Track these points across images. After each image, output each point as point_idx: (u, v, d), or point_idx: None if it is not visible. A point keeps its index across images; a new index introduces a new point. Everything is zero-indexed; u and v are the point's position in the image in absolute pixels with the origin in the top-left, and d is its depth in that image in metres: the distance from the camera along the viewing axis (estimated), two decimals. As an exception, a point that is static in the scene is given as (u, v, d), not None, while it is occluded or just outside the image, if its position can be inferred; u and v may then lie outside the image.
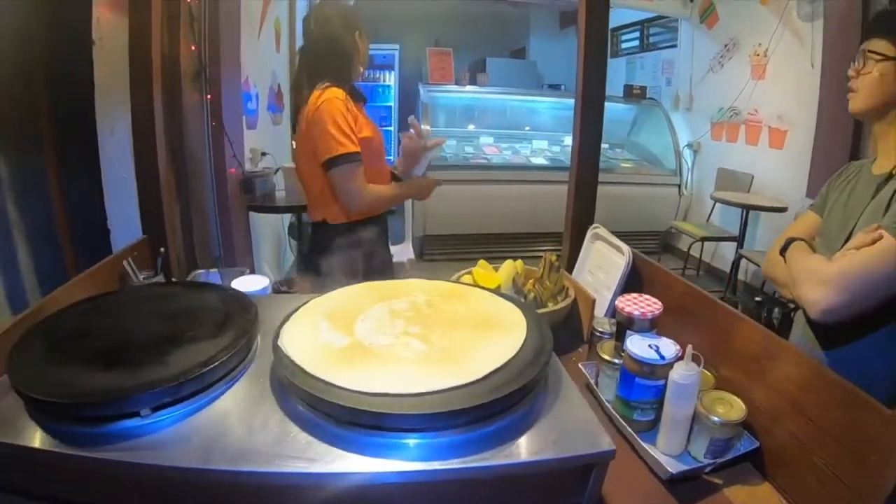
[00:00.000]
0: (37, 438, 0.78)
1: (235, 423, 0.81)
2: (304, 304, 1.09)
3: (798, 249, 1.33)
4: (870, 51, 1.24)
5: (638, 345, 1.03)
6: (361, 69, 1.90)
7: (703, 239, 4.69)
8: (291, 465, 0.73)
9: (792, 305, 1.38)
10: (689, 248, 4.87)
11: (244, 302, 1.09)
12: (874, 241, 1.11)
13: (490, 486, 0.79)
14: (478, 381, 0.82)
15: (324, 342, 0.94)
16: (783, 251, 1.36)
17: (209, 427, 0.80)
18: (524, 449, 0.77)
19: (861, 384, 0.87)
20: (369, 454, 0.75)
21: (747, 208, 4.35)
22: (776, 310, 1.43)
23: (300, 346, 0.92)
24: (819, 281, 1.14)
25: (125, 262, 1.52)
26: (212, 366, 0.85)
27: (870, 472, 0.81)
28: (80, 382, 0.82)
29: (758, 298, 1.42)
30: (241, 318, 1.02)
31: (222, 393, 0.88)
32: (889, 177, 1.26)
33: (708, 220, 5.10)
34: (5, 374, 0.89)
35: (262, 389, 0.89)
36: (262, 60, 3.73)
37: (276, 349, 0.92)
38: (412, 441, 0.77)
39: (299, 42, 4.97)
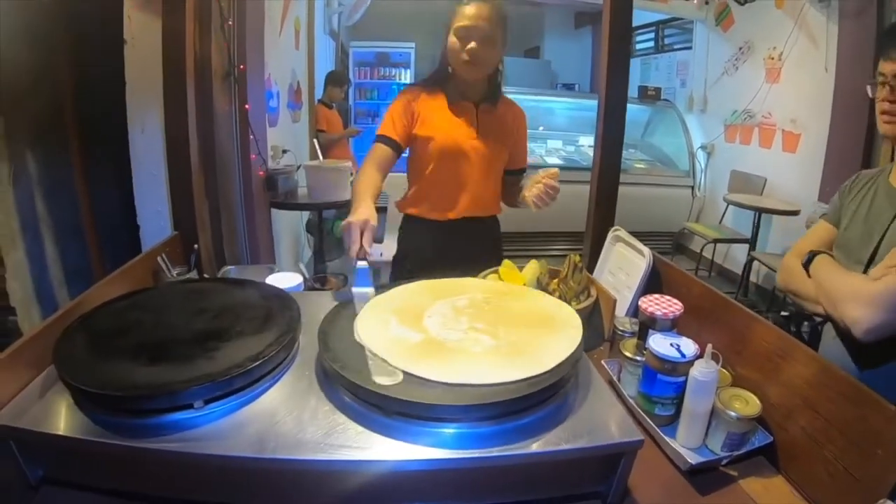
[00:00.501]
0: (85, 429, 0.81)
1: (285, 414, 0.86)
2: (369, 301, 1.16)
3: (827, 264, 1.33)
4: None
5: (660, 343, 1.08)
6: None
7: (716, 241, 4.70)
8: (343, 454, 0.78)
9: (819, 319, 1.38)
10: (701, 250, 4.89)
11: (285, 299, 1.14)
12: None
13: (525, 474, 0.84)
14: (545, 373, 0.89)
15: (396, 337, 1.00)
16: (807, 264, 1.37)
17: (260, 418, 0.85)
18: (560, 438, 0.82)
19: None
20: (417, 443, 0.80)
21: (760, 211, 4.36)
22: (805, 324, 1.45)
23: (377, 341, 0.97)
24: (863, 300, 1.15)
25: (159, 258, 1.55)
26: (262, 360, 0.90)
27: (877, 465, 0.85)
28: (129, 375, 0.86)
29: (785, 313, 1.43)
30: (284, 314, 1.07)
31: (270, 386, 0.93)
32: None
33: (721, 221, 5.11)
34: (49, 367, 0.93)
35: (309, 382, 0.94)
36: (283, 58, 3.77)
37: (323, 343, 0.97)
38: (451, 430, 0.82)
39: (318, 40, 5.03)
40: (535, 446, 0.80)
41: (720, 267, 5.25)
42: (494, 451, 0.79)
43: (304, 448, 0.79)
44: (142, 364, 0.89)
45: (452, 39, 1.69)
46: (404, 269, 1.91)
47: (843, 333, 1.23)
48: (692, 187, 5.62)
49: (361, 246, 1.29)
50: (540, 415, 0.86)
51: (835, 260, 1.35)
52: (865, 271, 1.27)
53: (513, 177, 1.91)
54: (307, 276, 1.54)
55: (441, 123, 1.77)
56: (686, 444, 1.07)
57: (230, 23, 2.23)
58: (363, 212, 1.37)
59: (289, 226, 3.75)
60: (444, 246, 1.83)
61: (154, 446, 0.79)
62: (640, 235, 1.64)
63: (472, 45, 1.65)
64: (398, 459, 0.78)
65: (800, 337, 1.38)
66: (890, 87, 1.25)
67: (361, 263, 1.26)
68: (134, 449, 0.79)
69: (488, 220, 1.94)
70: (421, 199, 1.85)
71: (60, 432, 0.81)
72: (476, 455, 0.78)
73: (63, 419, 0.83)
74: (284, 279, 1.42)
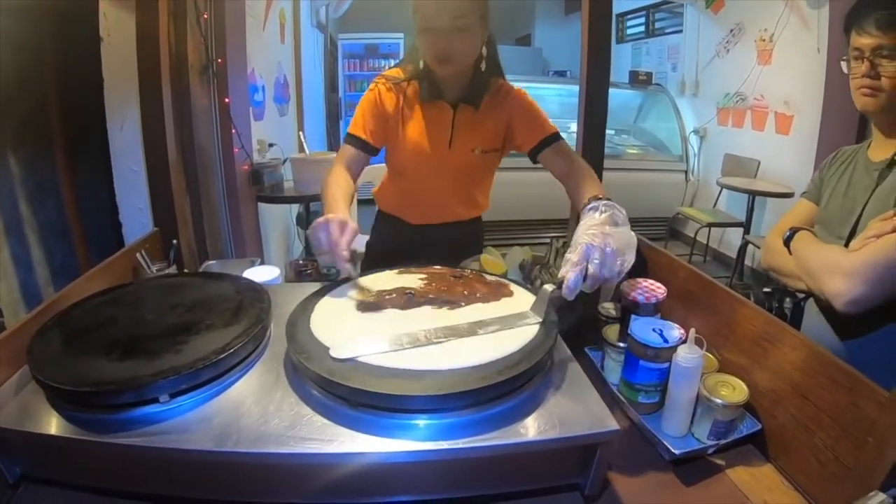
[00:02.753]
0: (58, 426, 0.81)
1: (251, 407, 0.84)
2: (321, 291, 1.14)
3: (806, 239, 1.33)
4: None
5: (642, 329, 1.05)
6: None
7: (710, 225, 4.69)
8: (306, 446, 0.76)
9: (801, 295, 1.38)
10: (695, 234, 4.87)
11: (257, 291, 1.12)
12: (895, 229, 1.11)
13: (498, 465, 0.82)
14: (488, 363, 0.86)
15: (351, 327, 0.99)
16: (787, 241, 1.37)
17: (226, 411, 0.83)
18: (530, 429, 0.80)
19: (880, 373, 0.86)
20: (382, 434, 0.78)
21: (753, 194, 4.34)
22: (787, 300, 1.43)
23: (327, 330, 0.97)
24: (842, 272, 1.15)
25: (138, 255, 1.55)
26: (227, 353, 0.89)
27: (868, 453, 0.82)
28: (100, 371, 0.85)
29: (767, 289, 1.42)
30: (254, 306, 1.05)
31: (238, 379, 0.91)
32: (891, 163, 1.27)
33: (714, 205, 5.09)
34: (25, 364, 0.93)
35: (277, 375, 0.93)
36: (268, 52, 3.74)
37: (290, 335, 0.95)
38: (422, 422, 0.80)
39: (304, 33, 4.98)
40: (505, 438, 0.78)
41: (715, 251, 5.24)
42: (461, 444, 0.76)
43: (266, 441, 0.78)
44: (113, 360, 0.89)
45: (419, 33, 1.46)
46: (376, 263, 1.74)
47: (825, 307, 1.24)
48: (685, 172, 5.61)
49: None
50: (511, 404, 0.84)
51: (815, 235, 1.35)
52: (846, 245, 1.26)
53: (546, 151, 1.56)
54: (283, 270, 1.51)
55: (412, 130, 1.59)
56: (671, 433, 1.04)
57: (206, 16, 2.19)
58: (339, 214, 1.18)
59: (279, 220, 3.73)
60: (421, 248, 1.63)
61: (120, 441, 0.79)
62: (634, 221, 1.61)
63: (443, 43, 1.42)
64: (362, 452, 0.76)
65: (782, 313, 1.37)
66: (869, 62, 1.25)
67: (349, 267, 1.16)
68: (101, 444, 0.79)
69: (468, 223, 1.79)
70: (395, 200, 1.75)
71: (34, 430, 0.81)
72: (443, 447, 0.76)
73: (37, 417, 0.84)
74: (262, 272, 1.40)
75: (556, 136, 1.57)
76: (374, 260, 1.79)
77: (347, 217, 1.17)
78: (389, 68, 1.67)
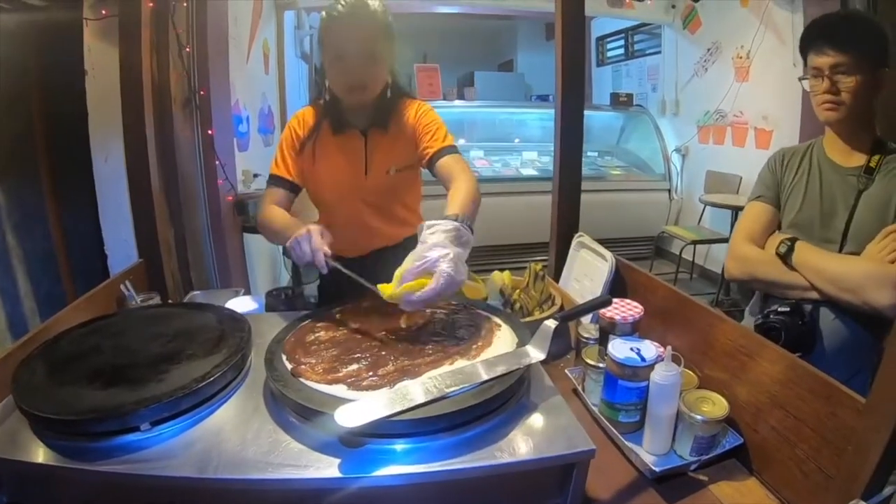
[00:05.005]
0: (42, 454, 0.82)
1: (230, 434, 0.85)
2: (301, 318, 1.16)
3: (815, 251, 1.39)
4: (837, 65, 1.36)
5: (620, 348, 1.06)
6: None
7: (694, 242, 4.71)
8: (283, 472, 0.77)
9: (809, 308, 1.40)
10: (681, 252, 4.90)
11: (238, 320, 1.13)
12: None
13: (474, 488, 0.83)
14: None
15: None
16: (787, 254, 1.41)
17: (205, 439, 0.84)
18: (507, 451, 0.80)
19: None
20: (360, 459, 0.79)
21: (736, 210, 4.38)
22: (805, 312, 1.45)
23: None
24: (888, 283, 1.23)
25: (122, 286, 1.55)
26: (207, 381, 0.90)
27: (849, 461, 0.83)
28: (83, 400, 0.87)
29: (783, 308, 1.41)
30: (235, 336, 1.06)
31: (218, 407, 0.92)
32: (868, 169, 1.37)
33: (699, 222, 5.13)
34: (10, 394, 0.93)
35: (256, 403, 0.93)
36: (252, 83, 3.76)
37: (269, 363, 0.95)
38: (399, 446, 0.80)
39: (288, 63, 5.02)
40: (482, 461, 0.78)
41: (701, 268, 5.27)
42: (438, 467, 0.77)
43: (244, 467, 0.78)
44: (96, 388, 0.90)
45: (330, 63, 1.46)
46: (329, 296, 1.72)
47: (857, 313, 1.32)
48: (669, 190, 5.66)
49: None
50: (487, 427, 0.85)
51: (811, 245, 1.41)
52: (840, 249, 1.38)
53: (438, 164, 1.52)
54: (263, 301, 1.51)
55: (327, 164, 1.58)
56: (653, 451, 1.05)
57: (188, 49, 2.22)
58: (301, 231, 1.25)
59: (265, 250, 3.72)
60: (368, 279, 1.39)
61: (103, 469, 0.80)
62: (620, 242, 1.64)
63: (353, 74, 1.43)
64: (339, 477, 0.77)
65: (811, 327, 1.39)
66: (829, 80, 1.36)
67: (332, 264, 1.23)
68: (85, 472, 0.80)
69: (406, 243, 1.69)
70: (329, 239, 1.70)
71: (18, 458, 0.82)
72: (421, 471, 0.77)
73: (22, 445, 0.85)
74: (244, 302, 1.40)
75: (449, 149, 1.53)
76: (329, 301, 1.64)
77: (321, 227, 1.27)
78: (298, 111, 1.64)
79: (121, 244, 2.14)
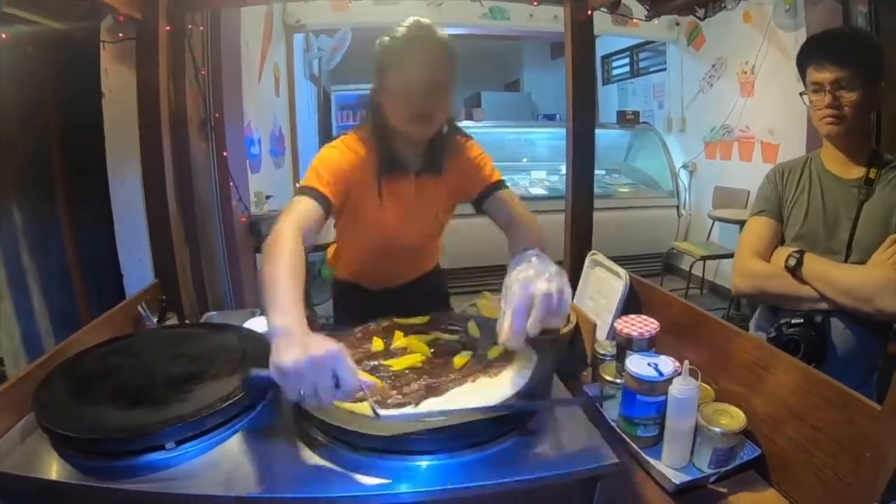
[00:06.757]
0: (65, 473, 0.83)
1: (255, 453, 0.87)
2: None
3: (825, 263, 1.41)
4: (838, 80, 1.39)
5: (637, 364, 1.07)
6: None
7: (704, 258, 4.71)
8: (309, 490, 0.78)
9: (819, 319, 1.41)
10: (690, 268, 4.89)
11: (260, 341, 1.14)
12: None
13: (499, 499, 0.83)
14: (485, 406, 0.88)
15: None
16: (796, 267, 1.42)
17: (231, 457, 0.86)
18: (531, 466, 0.82)
19: None
20: (384, 476, 0.80)
21: (744, 224, 4.37)
22: (816, 323, 1.46)
23: None
24: None
25: (139, 307, 1.57)
26: (231, 400, 0.91)
27: (867, 468, 0.84)
28: (107, 419, 0.89)
29: (797, 320, 1.41)
30: (257, 355, 1.06)
31: (241, 426, 0.93)
32: (868, 180, 1.41)
33: (708, 238, 5.13)
34: (29, 413, 0.96)
35: (280, 422, 0.95)
36: (263, 105, 3.82)
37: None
38: (424, 463, 0.82)
39: (298, 87, 5.09)
40: (504, 476, 0.80)
41: (711, 283, 5.26)
42: (464, 483, 0.78)
43: (271, 484, 0.80)
44: (119, 408, 0.92)
45: (395, 90, 1.31)
46: (345, 314, 1.69)
47: (866, 321, 1.35)
48: (677, 207, 5.67)
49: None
50: (511, 443, 0.86)
51: (819, 257, 1.42)
52: (846, 259, 1.40)
53: (489, 200, 1.46)
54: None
55: (373, 204, 1.43)
56: (672, 465, 1.06)
57: (204, 73, 2.27)
58: (318, 342, 0.84)
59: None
60: (386, 311, 1.36)
61: (128, 487, 0.81)
62: (629, 259, 1.65)
63: (421, 102, 1.29)
64: (365, 494, 0.78)
65: (824, 338, 1.41)
66: (831, 94, 1.39)
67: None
68: (108, 490, 0.81)
69: (430, 275, 1.70)
70: (353, 269, 1.64)
71: (40, 476, 0.84)
72: (446, 487, 0.78)
73: (43, 463, 0.86)
74: (261, 322, 1.41)
75: (498, 184, 1.48)
76: (344, 320, 1.63)
77: (334, 343, 0.85)
78: (345, 135, 1.47)
79: (136, 264, 2.16)
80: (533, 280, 0.93)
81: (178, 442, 0.86)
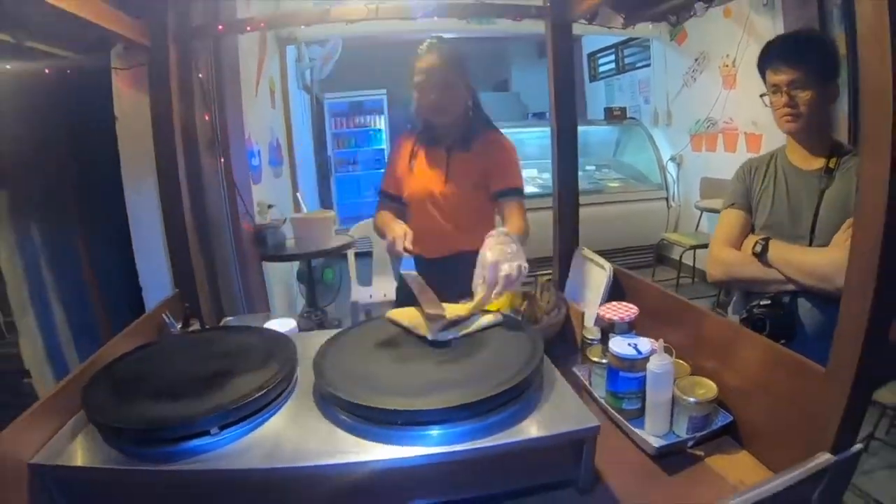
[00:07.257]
0: (122, 461, 0.95)
1: (290, 433, 1.00)
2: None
3: (788, 247, 1.53)
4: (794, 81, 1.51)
5: (619, 344, 1.21)
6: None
7: (693, 247, 4.84)
8: (340, 458, 0.92)
9: (787, 299, 1.54)
10: (681, 258, 5.02)
11: (282, 339, 1.28)
12: None
13: (500, 465, 0.98)
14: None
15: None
16: (762, 252, 1.55)
17: (269, 438, 0.98)
18: (525, 430, 0.96)
19: None
20: (403, 444, 0.94)
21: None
22: (785, 300, 1.56)
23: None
24: None
25: (164, 315, 1.68)
26: (265, 390, 1.03)
27: (818, 423, 0.97)
28: (154, 411, 1.00)
29: (764, 302, 1.53)
30: (283, 351, 1.20)
31: (276, 411, 1.06)
32: (828, 170, 1.53)
33: (697, 228, 5.25)
34: (76, 413, 1.08)
35: (308, 406, 1.08)
36: (261, 117, 3.92)
37: (318, 371, 1.10)
38: (435, 431, 0.96)
39: (292, 98, 5.20)
40: (506, 438, 0.93)
41: (701, 272, 5.37)
42: (469, 445, 0.92)
43: (309, 456, 0.93)
44: (162, 402, 1.03)
45: (415, 93, 1.85)
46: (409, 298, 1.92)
47: (830, 298, 1.42)
48: (666, 199, 5.79)
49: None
50: (508, 412, 0.99)
51: (784, 243, 1.54)
52: (810, 244, 1.52)
53: (503, 200, 1.90)
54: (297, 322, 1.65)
55: (415, 172, 1.95)
56: (654, 432, 1.19)
57: (209, 90, 2.38)
58: (399, 226, 1.68)
59: (280, 277, 3.86)
60: (437, 280, 1.59)
61: (179, 468, 0.92)
62: (621, 251, 1.79)
63: (432, 95, 1.82)
64: (388, 458, 0.92)
65: (792, 314, 1.54)
66: (787, 95, 1.52)
67: (407, 255, 1.63)
68: (161, 472, 0.93)
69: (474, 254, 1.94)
70: (413, 239, 1.83)
71: (95, 465, 0.95)
72: (455, 449, 0.91)
73: (95, 454, 0.97)
74: (281, 324, 1.54)
75: (516, 191, 1.92)
76: (406, 296, 1.85)
77: (405, 227, 1.67)
78: (402, 134, 2.11)
79: (154, 276, 2.27)
80: (500, 263, 1.34)
81: (221, 427, 0.97)
